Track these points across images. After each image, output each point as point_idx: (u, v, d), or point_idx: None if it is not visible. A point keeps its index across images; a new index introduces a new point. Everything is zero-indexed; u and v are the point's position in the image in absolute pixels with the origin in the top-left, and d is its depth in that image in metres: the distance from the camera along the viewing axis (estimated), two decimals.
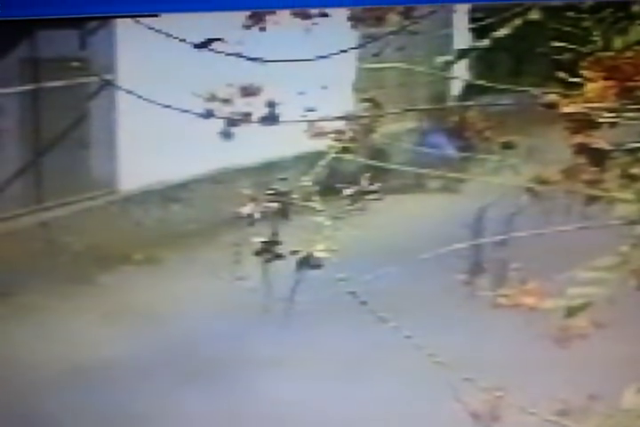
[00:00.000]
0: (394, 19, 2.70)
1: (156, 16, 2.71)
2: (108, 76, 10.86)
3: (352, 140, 2.53)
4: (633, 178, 2.49)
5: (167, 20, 2.86)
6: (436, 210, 11.82)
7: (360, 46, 2.71)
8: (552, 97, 2.40)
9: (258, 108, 2.42)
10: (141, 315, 9.22)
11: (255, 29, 2.61)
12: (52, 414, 7.02)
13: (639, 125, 2.41)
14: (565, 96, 2.36)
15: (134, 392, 7.44)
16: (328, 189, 2.48)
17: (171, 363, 8.09)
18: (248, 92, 2.43)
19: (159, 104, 2.47)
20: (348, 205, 2.46)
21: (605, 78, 2.33)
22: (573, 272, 2.41)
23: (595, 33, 2.45)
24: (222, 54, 2.38)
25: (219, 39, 2.35)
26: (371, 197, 2.45)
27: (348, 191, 2.46)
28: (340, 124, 2.54)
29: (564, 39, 2.53)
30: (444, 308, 7.79)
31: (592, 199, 2.51)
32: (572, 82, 2.38)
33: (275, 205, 2.36)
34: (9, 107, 11.51)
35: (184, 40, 2.36)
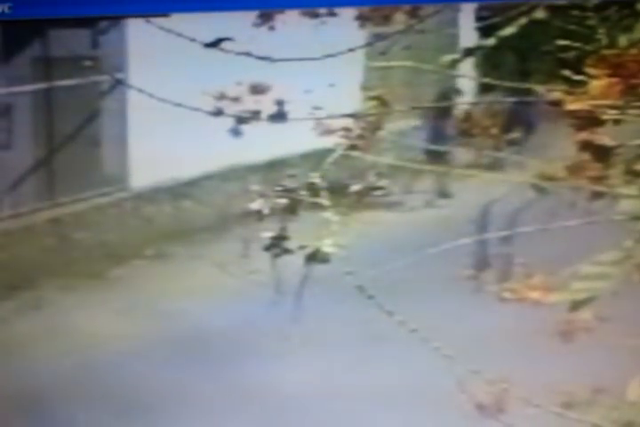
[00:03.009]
0: (400, 18, 2.73)
1: (166, 16, 2.75)
2: (119, 75, 10.87)
3: (359, 137, 2.56)
4: (637, 174, 2.52)
5: (177, 20, 2.91)
6: (444, 205, 11.77)
7: (367, 45, 2.74)
8: (557, 94, 2.43)
9: (267, 106, 2.46)
10: (152, 309, 9.26)
11: (264, 29, 2.65)
12: (64, 405, 7.07)
13: None
14: (570, 93, 2.39)
15: (146, 384, 7.48)
16: (336, 185, 2.51)
17: (181, 356, 8.12)
18: (257, 90, 2.47)
19: (170, 102, 2.51)
20: (356, 201, 2.49)
21: (610, 76, 2.36)
22: (578, 267, 2.44)
23: (599, 31, 2.48)
24: (232, 53, 2.41)
25: (228, 38, 2.39)
26: (378, 193, 2.49)
27: (355, 187, 2.49)
28: (348, 122, 2.58)
29: (568, 37, 2.56)
30: (450, 302, 7.85)
31: (596, 195, 2.54)
32: (576, 79, 2.40)
33: (283, 201, 2.39)
34: (22, 105, 11.54)
35: (194, 39, 2.40)
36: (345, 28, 3.14)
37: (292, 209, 2.38)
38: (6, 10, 3.03)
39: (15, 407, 6.90)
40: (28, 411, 6.85)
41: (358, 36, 2.95)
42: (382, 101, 2.68)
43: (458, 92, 10.51)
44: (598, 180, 2.53)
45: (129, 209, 11.45)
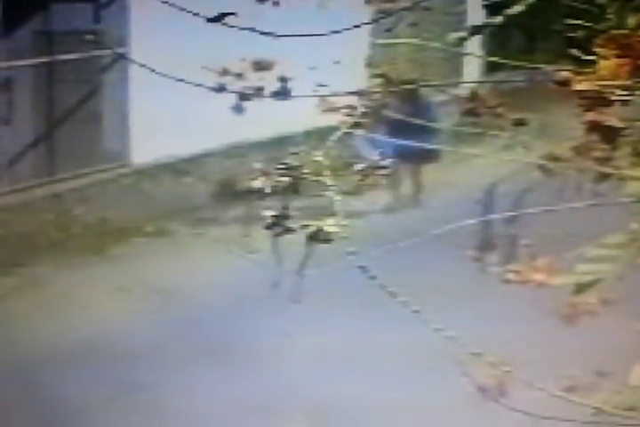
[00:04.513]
0: None
1: None
2: (121, 50, 10.88)
3: (363, 115, 2.53)
4: None
5: None
6: (447, 182, 11.83)
7: (373, 22, 2.70)
8: (565, 74, 2.40)
9: (270, 82, 2.42)
10: (152, 286, 9.28)
11: (269, 4, 2.61)
12: (63, 381, 7.07)
13: None
14: (578, 73, 2.36)
15: (145, 361, 7.49)
16: (339, 163, 2.48)
17: (180, 334, 8.14)
18: (261, 66, 2.43)
19: (172, 78, 2.47)
20: (359, 180, 2.46)
21: (618, 56, 2.33)
22: (583, 249, 2.42)
23: (609, 10, 2.45)
24: (235, 28, 2.37)
25: (232, 13, 2.35)
26: (381, 172, 2.46)
27: (359, 166, 2.46)
28: (352, 100, 2.54)
29: (577, 16, 2.52)
30: (453, 283, 7.84)
31: (603, 177, 2.51)
32: (585, 59, 2.37)
33: (286, 179, 2.36)
34: (22, 79, 11.53)
35: (197, 14, 2.36)
36: (351, 4, 3.10)
37: (294, 188, 2.34)
38: None
39: (14, 384, 6.90)
40: (26, 387, 6.85)
41: (364, 12, 2.90)
42: (387, 79, 2.65)
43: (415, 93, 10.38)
44: (605, 161, 2.50)
45: (129, 185, 11.43)
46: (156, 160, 11.09)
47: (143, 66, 2.56)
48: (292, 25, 2.95)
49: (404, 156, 9.06)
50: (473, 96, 2.65)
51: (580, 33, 2.49)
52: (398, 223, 9.44)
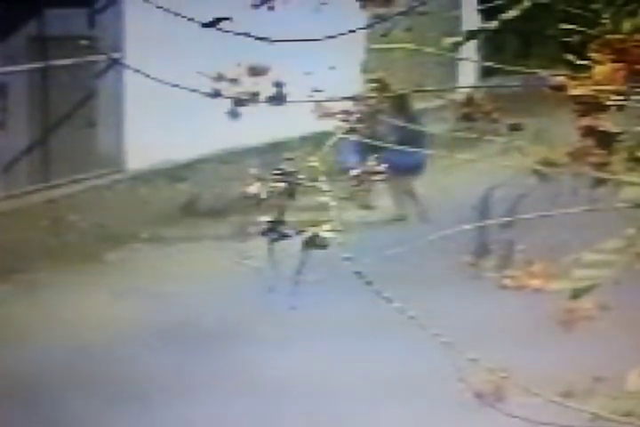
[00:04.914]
0: None
1: None
2: (115, 55, 10.88)
3: (359, 120, 2.53)
4: (639, 161, 2.50)
5: None
6: (442, 188, 11.88)
7: (368, 27, 2.70)
8: (560, 79, 2.40)
9: (265, 87, 2.42)
10: (148, 292, 9.29)
11: (264, 9, 2.60)
12: (59, 388, 7.07)
13: None
14: (574, 78, 2.36)
15: (142, 368, 7.49)
16: (334, 169, 2.48)
17: (176, 340, 8.14)
18: (256, 71, 2.42)
19: (167, 83, 2.46)
20: (355, 185, 2.46)
21: (614, 61, 2.33)
22: (579, 254, 2.41)
23: (604, 15, 2.45)
24: (230, 34, 2.37)
25: (227, 18, 2.35)
26: (377, 177, 2.45)
27: (354, 172, 2.46)
28: (348, 105, 2.54)
29: (572, 21, 2.53)
30: (449, 289, 7.85)
31: (599, 182, 2.51)
32: (580, 64, 2.37)
33: (281, 185, 2.35)
34: (17, 84, 11.52)
35: (192, 19, 2.35)
36: (346, 8, 3.09)
37: (290, 193, 2.34)
38: None
39: (10, 389, 6.88)
40: (22, 393, 6.83)
41: (359, 17, 2.90)
42: (383, 84, 2.65)
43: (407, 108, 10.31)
44: (601, 166, 2.50)
45: (125, 191, 11.41)
46: (151, 166, 11.08)
47: (138, 71, 2.55)
48: (287, 30, 2.95)
49: (394, 167, 9.04)
50: (468, 101, 2.65)
51: (575, 38, 2.49)
52: (392, 230, 9.44)
